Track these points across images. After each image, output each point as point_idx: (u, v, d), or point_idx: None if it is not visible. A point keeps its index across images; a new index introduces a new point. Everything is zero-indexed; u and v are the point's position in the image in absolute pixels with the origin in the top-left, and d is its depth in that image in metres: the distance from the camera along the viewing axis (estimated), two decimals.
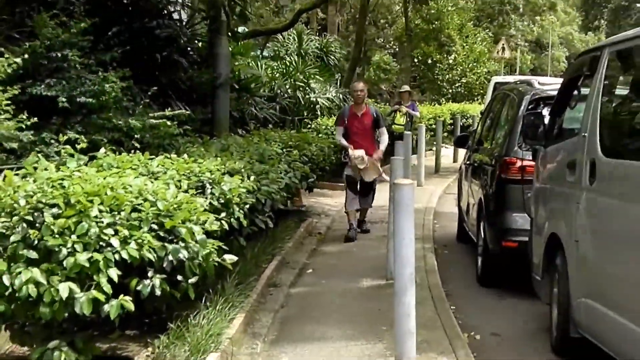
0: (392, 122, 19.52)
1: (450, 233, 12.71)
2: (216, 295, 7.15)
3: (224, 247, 6.34)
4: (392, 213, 7.87)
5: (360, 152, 11.66)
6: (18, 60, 8.88)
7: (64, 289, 5.16)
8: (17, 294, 5.17)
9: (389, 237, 8.88)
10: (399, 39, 39.47)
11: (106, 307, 5.29)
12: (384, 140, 12.04)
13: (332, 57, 27.50)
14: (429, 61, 37.17)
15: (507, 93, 10.55)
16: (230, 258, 6.35)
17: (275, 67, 22.04)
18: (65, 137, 7.48)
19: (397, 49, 41.32)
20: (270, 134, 12.97)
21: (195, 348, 6.16)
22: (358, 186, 11.98)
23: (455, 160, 23.23)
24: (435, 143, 23.18)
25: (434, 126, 25.68)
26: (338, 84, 24.71)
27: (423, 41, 37.18)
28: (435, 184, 18.84)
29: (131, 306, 5.36)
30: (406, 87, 21.39)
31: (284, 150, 11.59)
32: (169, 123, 10.10)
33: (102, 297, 5.22)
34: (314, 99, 21.23)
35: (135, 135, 9.17)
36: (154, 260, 5.59)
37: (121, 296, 5.36)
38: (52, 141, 8.84)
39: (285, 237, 11.03)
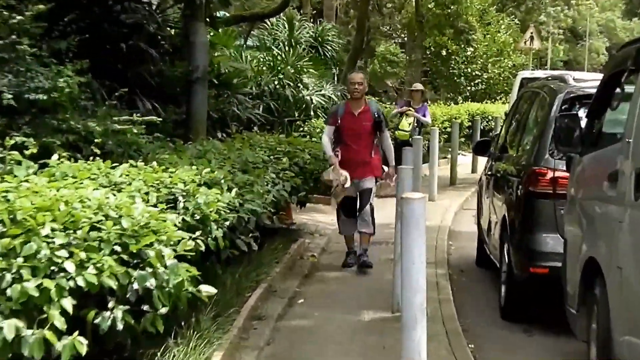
0: (396, 127, 19.00)
1: (468, 256, 12.70)
2: (189, 330, 7.10)
3: (199, 277, 6.30)
4: (399, 232, 7.83)
5: (345, 174, 11.16)
6: None
7: (9, 328, 5.06)
8: None
9: (396, 261, 8.86)
10: (408, 26, 39.48)
11: (58, 346, 5.23)
12: (390, 149, 11.72)
13: (329, 48, 27.56)
14: (444, 53, 37.20)
15: (536, 91, 10.56)
16: (207, 290, 6.31)
17: (261, 59, 22.05)
18: (12, 141, 7.45)
19: (405, 39, 41.37)
20: (255, 138, 12.95)
21: None
22: (357, 205, 11.60)
23: (474, 171, 23.23)
24: (450, 150, 23.21)
25: (449, 129, 25.71)
26: (335, 79, 24.74)
27: (437, 29, 37.17)
28: (450, 198, 18.85)
29: (83, 349, 5.28)
30: (419, 86, 20.54)
31: (272, 157, 11.57)
32: (135, 130, 10.05)
33: (54, 339, 5.14)
34: (307, 97, 21.24)
35: (95, 140, 9.13)
36: (115, 288, 5.55)
37: (75, 334, 5.30)
38: None
39: (272, 260, 10.98)
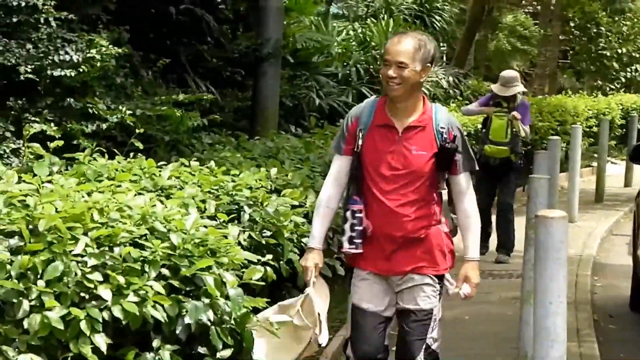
0: (485, 139, 14.56)
1: (619, 297, 12.54)
2: None
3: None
4: (529, 262, 7.83)
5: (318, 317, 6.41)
6: None
7: None
8: None
9: (523, 300, 8.79)
10: None
11: None
12: (470, 213, 6.64)
13: (438, 18, 27.45)
14: (591, 27, 36.79)
15: None
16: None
17: (350, 32, 22.06)
18: (32, 130, 7.55)
19: (539, 7, 41.05)
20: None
21: None
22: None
23: (628, 184, 23.02)
24: (596, 156, 23.00)
25: (595, 129, 25.47)
26: (444, 58, 24.72)
27: None
28: (595, 219, 18.66)
29: None
30: (511, 72, 14.94)
31: None
32: (177, 112, 10.17)
33: None
34: None
35: (138, 130, 9.26)
36: (163, 322, 5.61)
37: None
38: (8, 134, 8.95)
39: None
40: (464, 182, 6.52)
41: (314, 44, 18.47)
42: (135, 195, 6.62)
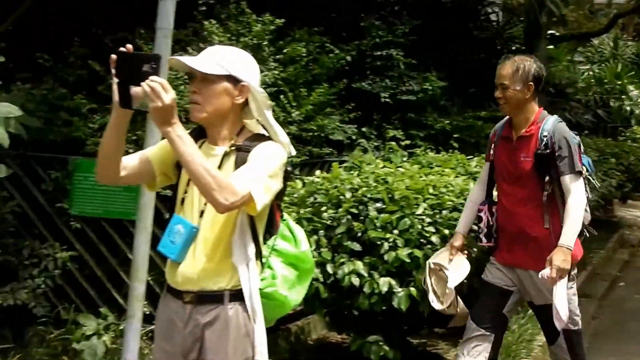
0: None
1: None
2: None
3: None
4: None
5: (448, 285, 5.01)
6: (347, 57, 9.13)
7: (384, 283, 5.23)
8: (339, 284, 5.26)
9: None
10: None
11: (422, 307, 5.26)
12: (572, 210, 4.72)
13: None
14: None
15: None
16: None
17: (590, 72, 21.32)
18: (392, 134, 7.58)
19: None
20: (584, 141, 12.47)
21: (507, 352, 6.03)
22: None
23: None
24: None
25: None
26: None
27: None
28: None
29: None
30: None
31: (599, 158, 11.06)
32: (479, 123, 10.00)
33: (419, 295, 5.18)
34: (629, 107, 20.24)
35: (454, 135, 9.12)
36: None
37: None
38: (372, 136, 9.02)
39: (595, 247, 10.46)
40: (567, 182, 4.70)
41: (566, 81, 17.87)
42: (455, 177, 6.46)
